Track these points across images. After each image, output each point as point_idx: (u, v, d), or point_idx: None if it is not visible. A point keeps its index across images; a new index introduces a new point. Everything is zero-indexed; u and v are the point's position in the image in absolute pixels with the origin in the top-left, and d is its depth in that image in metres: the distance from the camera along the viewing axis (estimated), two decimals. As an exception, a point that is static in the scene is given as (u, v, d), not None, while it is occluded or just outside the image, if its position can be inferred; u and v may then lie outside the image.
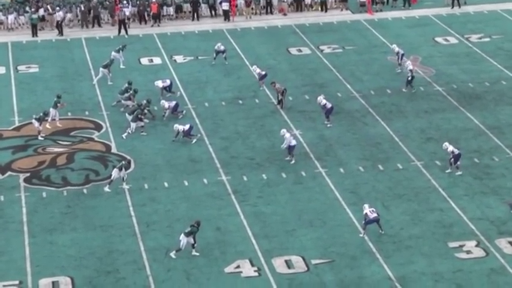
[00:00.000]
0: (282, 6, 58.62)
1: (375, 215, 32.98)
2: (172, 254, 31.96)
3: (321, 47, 52.34)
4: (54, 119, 42.19)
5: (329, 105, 42.16)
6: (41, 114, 41.29)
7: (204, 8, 58.30)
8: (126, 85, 44.26)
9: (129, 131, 41.24)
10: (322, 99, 42.37)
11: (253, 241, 33.07)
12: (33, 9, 55.87)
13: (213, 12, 58.23)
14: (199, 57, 51.25)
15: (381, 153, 39.56)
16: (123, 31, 55.03)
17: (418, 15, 57.77)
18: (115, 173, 36.63)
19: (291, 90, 45.79)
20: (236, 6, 57.68)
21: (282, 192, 36.46)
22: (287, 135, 38.49)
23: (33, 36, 54.82)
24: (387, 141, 40.58)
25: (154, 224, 34.39)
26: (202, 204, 35.78)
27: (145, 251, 32.54)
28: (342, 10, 59.04)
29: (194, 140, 40.43)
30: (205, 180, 37.53)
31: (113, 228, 34.11)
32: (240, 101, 45.00)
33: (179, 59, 51.21)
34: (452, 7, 58.27)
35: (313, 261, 31.69)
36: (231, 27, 56.14)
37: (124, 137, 40.99)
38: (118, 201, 36.07)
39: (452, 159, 37.27)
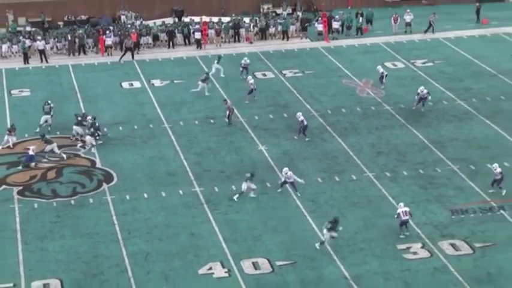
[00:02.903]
0: (248, 35, 58.85)
1: (407, 217, 33.01)
2: (317, 245, 32.40)
3: (284, 72, 52.56)
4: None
5: (305, 122, 42.33)
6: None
7: (178, 37, 58.35)
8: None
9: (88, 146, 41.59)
10: (300, 116, 42.58)
11: (224, 245, 33.12)
12: (25, 40, 55.70)
13: (186, 41, 58.32)
14: (175, 81, 51.28)
15: (337, 165, 39.75)
16: (127, 56, 55.01)
17: (369, 42, 58.12)
18: (243, 185, 36.58)
19: (257, 111, 45.99)
20: (207, 35, 57.82)
21: (249, 202, 36.52)
22: (289, 173, 36.79)
23: (24, 63, 54.60)
24: (343, 155, 40.79)
25: (135, 231, 34.36)
26: (178, 213, 35.79)
27: (127, 256, 32.50)
28: (301, 38, 59.32)
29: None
30: (180, 192, 37.56)
31: (98, 235, 34.05)
32: (212, 120, 45.08)
33: (157, 82, 51.22)
34: (406, 32, 58.66)
35: (278, 263, 31.79)
36: (203, 54, 56.23)
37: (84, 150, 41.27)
38: (102, 211, 36.02)
39: (500, 178, 36.36)
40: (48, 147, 40.89)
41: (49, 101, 44.61)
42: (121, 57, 54.97)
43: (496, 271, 31.13)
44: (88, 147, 41.71)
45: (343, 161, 40.14)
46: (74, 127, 42.68)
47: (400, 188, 37.39)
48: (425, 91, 45.60)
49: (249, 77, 48.95)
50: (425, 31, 58.97)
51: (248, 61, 51.15)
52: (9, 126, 42.93)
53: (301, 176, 38.13)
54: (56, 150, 40.85)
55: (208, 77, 49.02)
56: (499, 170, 36.38)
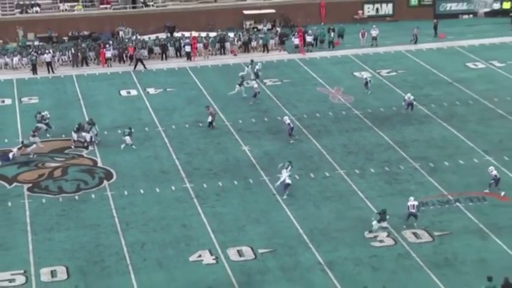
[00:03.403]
0: (232, 48, 58.81)
1: (413, 210, 32.91)
2: (366, 233, 32.40)
3: (264, 80, 52.41)
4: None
5: (291, 125, 42.33)
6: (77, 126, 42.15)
7: (171, 50, 58.24)
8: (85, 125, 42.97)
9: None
10: (287, 119, 42.65)
11: (212, 235, 33.09)
12: (33, 53, 55.50)
13: (178, 54, 58.21)
14: (168, 89, 51.16)
15: (312, 164, 39.72)
16: (140, 67, 54.97)
17: (340, 54, 58.14)
18: (283, 173, 36.42)
19: (241, 115, 45.96)
20: (196, 48, 57.74)
21: (234, 196, 36.51)
22: (285, 175, 36.43)
23: (33, 74, 54.35)
24: (317, 155, 40.79)
25: (132, 223, 34.28)
26: (171, 206, 35.71)
27: (126, 245, 32.44)
28: (280, 51, 59.32)
29: None
30: (173, 187, 37.48)
31: (99, 227, 33.96)
32: (200, 124, 44.97)
33: (151, 91, 51.07)
34: (372, 45, 58.79)
35: (260, 251, 31.80)
36: (192, 65, 56.13)
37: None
38: (103, 205, 35.90)
39: (493, 182, 35.48)
40: (29, 149, 40.74)
41: (41, 111, 44.29)
42: (135, 67, 54.94)
43: (452, 256, 31.26)
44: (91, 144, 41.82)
45: (318, 159, 40.14)
46: (72, 133, 42.47)
47: (368, 183, 37.43)
48: (411, 97, 45.64)
49: (253, 82, 48.94)
50: (414, 42, 59.16)
51: (260, 67, 51.52)
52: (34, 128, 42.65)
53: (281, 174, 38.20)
54: (30, 150, 40.73)
55: (243, 81, 49.19)
56: (495, 172, 35.82)
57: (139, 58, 55.20)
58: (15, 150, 40.62)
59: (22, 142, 41.46)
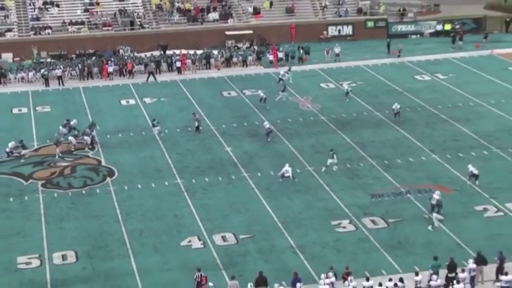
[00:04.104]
0: (216, 64, 58.65)
1: (434, 202, 32.47)
2: (431, 228, 31.70)
3: (244, 91, 52.30)
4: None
5: (271, 128, 42.26)
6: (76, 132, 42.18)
7: (163, 66, 57.98)
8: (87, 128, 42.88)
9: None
10: (266, 124, 42.68)
11: (200, 223, 32.99)
12: (46, 68, 55.11)
13: (170, 68, 57.91)
14: (161, 99, 50.93)
15: (285, 162, 39.38)
16: (151, 78, 54.69)
17: (308, 68, 58.06)
18: (328, 161, 37.03)
19: (223, 121, 45.79)
20: (186, 64, 57.50)
21: (219, 190, 36.39)
22: (285, 168, 36.66)
23: (46, 86, 53.94)
24: (289, 154, 40.71)
25: (132, 213, 34.10)
26: (165, 199, 35.55)
27: (126, 232, 32.29)
28: (257, 66, 59.18)
29: None
30: (166, 183, 37.30)
31: (103, 217, 33.76)
32: (189, 129, 44.79)
33: (147, 100, 50.81)
34: (335, 61, 58.74)
35: (241, 236, 31.74)
36: (182, 78, 55.92)
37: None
38: (107, 198, 35.69)
39: (473, 177, 35.31)
40: (24, 151, 40.41)
41: (68, 119, 43.83)
42: (147, 79, 54.57)
43: (404, 240, 31.36)
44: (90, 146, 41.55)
45: (290, 158, 40.00)
46: (69, 137, 42.09)
47: (332, 178, 37.41)
48: (398, 106, 45.50)
49: (259, 91, 48.94)
50: (398, 55, 59.35)
51: (283, 73, 51.53)
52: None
53: (258, 170, 38.22)
54: (25, 152, 40.45)
55: (285, 88, 49.59)
56: (471, 169, 35.57)
57: (151, 71, 55.00)
58: (10, 144, 40.26)
59: (21, 141, 41.05)
